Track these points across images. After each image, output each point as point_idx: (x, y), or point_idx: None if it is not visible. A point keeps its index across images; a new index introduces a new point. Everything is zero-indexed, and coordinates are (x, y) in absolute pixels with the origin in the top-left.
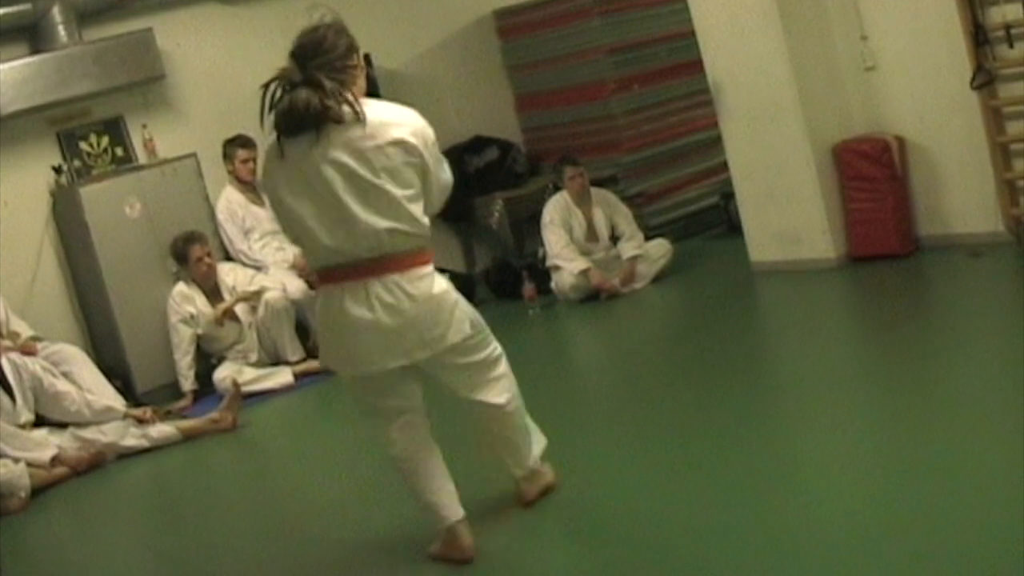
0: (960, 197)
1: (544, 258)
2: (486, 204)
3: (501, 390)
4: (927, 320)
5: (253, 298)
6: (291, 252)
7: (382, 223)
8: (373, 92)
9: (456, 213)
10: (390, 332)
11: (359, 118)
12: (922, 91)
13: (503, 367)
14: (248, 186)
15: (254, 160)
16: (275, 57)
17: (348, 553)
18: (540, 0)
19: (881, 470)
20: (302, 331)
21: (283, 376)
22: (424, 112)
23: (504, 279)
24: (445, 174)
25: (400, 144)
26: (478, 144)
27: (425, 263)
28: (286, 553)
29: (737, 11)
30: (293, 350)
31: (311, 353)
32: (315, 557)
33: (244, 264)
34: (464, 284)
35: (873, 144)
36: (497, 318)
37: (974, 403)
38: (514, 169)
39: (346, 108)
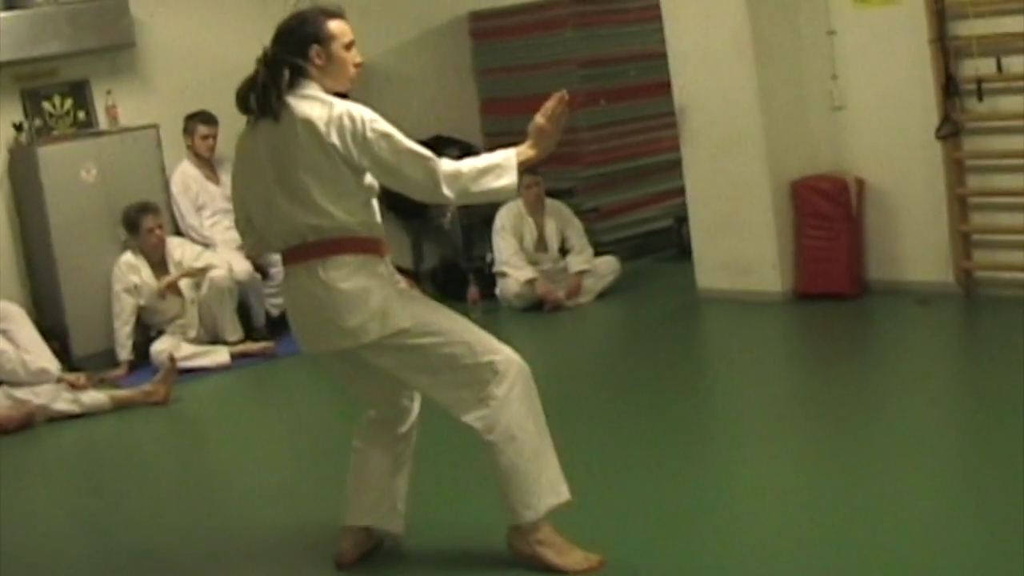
0: (914, 244)
1: (492, 263)
2: (440, 204)
3: (476, 414)
4: (868, 361)
5: (198, 274)
6: None
7: (300, 217)
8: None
9: (409, 210)
10: (310, 316)
11: (272, 115)
12: (887, 135)
13: (486, 388)
14: (205, 162)
15: (214, 137)
16: (247, 37)
17: (268, 536)
18: (517, 6)
19: (811, 502)
20: (244, 312)
21: (220, 355)
22: (388, 107)
23: (450, 280)
24: (404, 165)
25: (324, 144)
26: (438, 144)
27: (346, 252)
28: (208, 530)
29: (711, 37)
30: (233, 330)
31: (250, 334)
32: (236, 536)
33: (193, 240)
34: (409, 281)
35: (832, 183)
36: None
37: (907, 445)
38: None
39: (265, 102)
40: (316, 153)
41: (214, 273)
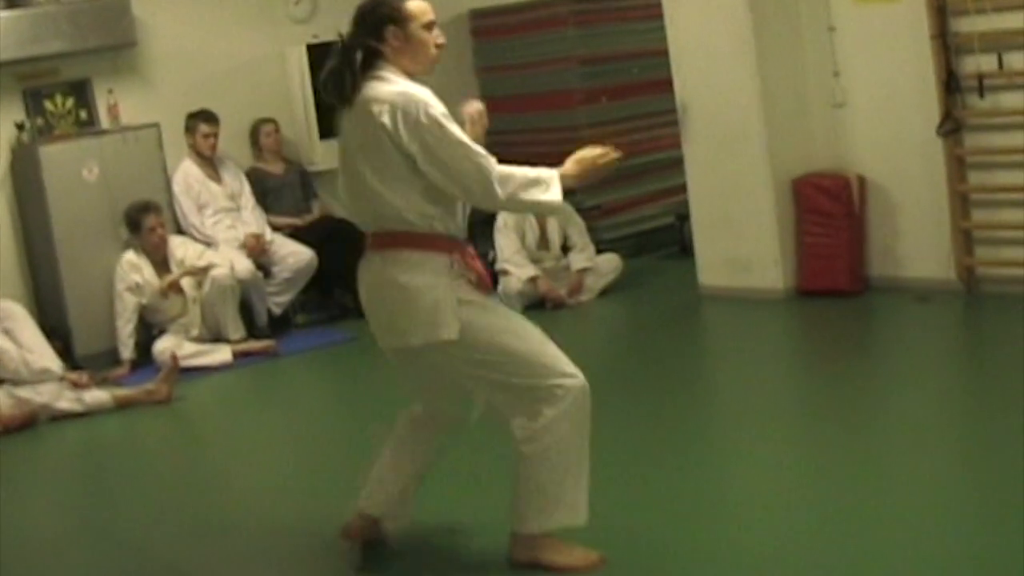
0: (915, 241)
1: (494, 261)
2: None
3: (520, 422)
4: (869, 358)
5: (200, 273)
6: (242, 231)
7: (362, 203)
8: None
9: None
10: (369, 306)
11: (346, 102)
12: (888, 132)
13: (537, 406)
14: (207, 161)
15: (215, 136)
16: (248, 37)
17: (270, 535)
18: (517, 4)
19: (813, 499)
20: (246, 310)
21: (222, 354)
22: None
23: None
24: (454, 158)
25: (376, 125)
26: None
27: (404, 246)
28: (210, 529)
29: (712, 35)
30: (235, 329)
31: (252, 333)
32: (238, 534)
33: (195, 239)
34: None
35: (834, 180)
36: None
37: (909, 442)
38: None
39: (339, 88)
40: (368, 134)
41: (216, 272)
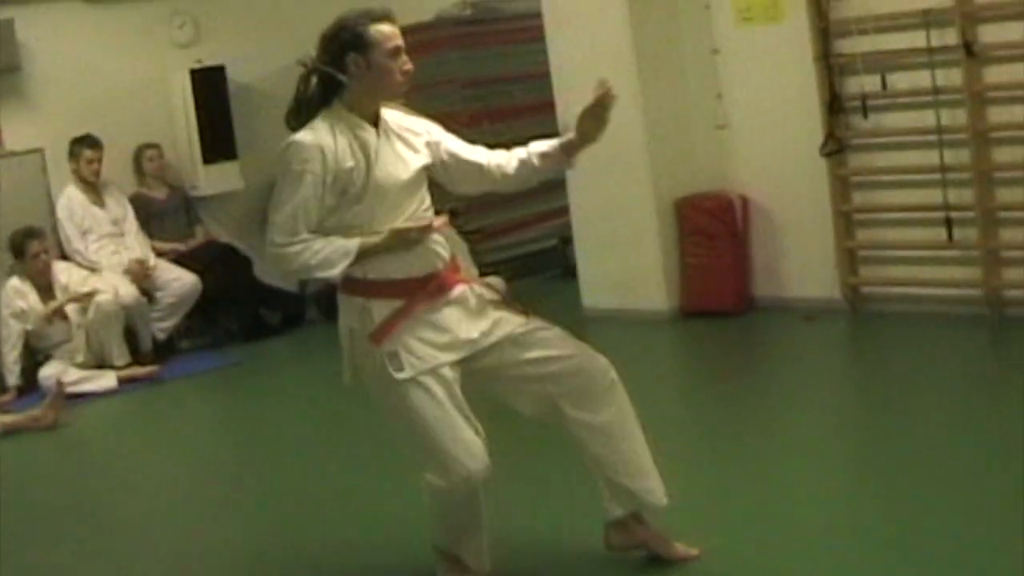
0: (799, 261)
1: None
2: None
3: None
4: (755, 377)
5: (84, 299)
6: (126, 256)
7: None
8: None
9: None
10: None
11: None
12: (772, 153)
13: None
14: (90, 187)
15: (99, 161)
16: (132, 62)
17: (156, 560)
18: (400, 27)
19: (698, 518)
20: (130, 336)
21: (107, 379)
22: (270, 129)
23: (335, 302)
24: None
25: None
26: None
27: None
28: (96, 554)
29: (595, 57)
30: (120, 354)
31: (136, 359)
32: (125, 560)
33: (79, 264)
34: (294, 304)
35: (717, 201)
36: (324, 341)
37: (794, 460)
38: None
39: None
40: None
41: (100, 297)
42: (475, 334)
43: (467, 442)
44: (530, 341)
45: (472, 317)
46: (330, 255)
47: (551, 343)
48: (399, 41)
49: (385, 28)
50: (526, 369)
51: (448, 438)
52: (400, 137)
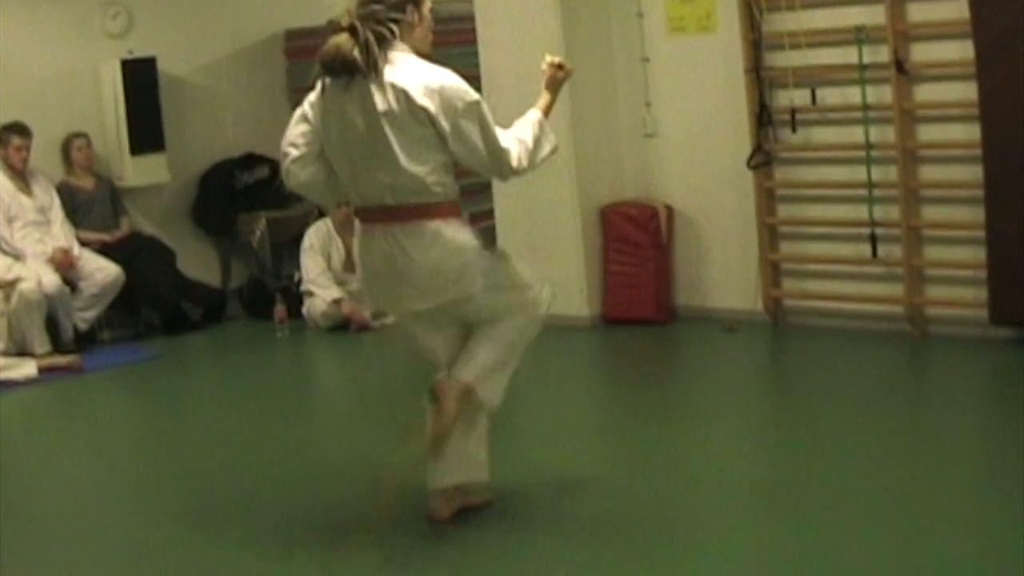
0: (723, 272)
1: (299, 282)
2: (249, 221)
3: (477, 373)
4: (675, 387)
5: (7, 287)
6: (51, 245)
7: (384, 178)
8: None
9: (218, 227)
10: (384, 278)
11: (376, 74)
12: (699, 163)
13: (503, 362)
14: (18, 174)
15: (27, 149)
16: (63, 50)
17: (70, 554)
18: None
19: (612, 526)
20: (52, 325)
21: (27, 368)
22: (200, 122)
23: (257, 298)
24: (482, 141)
25: (410, 104)
26: (250, 161)
27: (424, 218)
28: (11, 547)
29: (524, 61)
30: (41, 343)
31: (58, 348)
32: (42, 553)
33: (3, 252)
34: (215, 299)
35: (641, 209)
36: (245, 337)
37: (712, 470)
38: (282, 190)
39: (372, 62)
40: (406, 116)
41: (23, 285)
42: None
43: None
44: None
45: None
46: (537, 133)
47: None
48: None
49: None
50: None
51: (537, 287)
52: None
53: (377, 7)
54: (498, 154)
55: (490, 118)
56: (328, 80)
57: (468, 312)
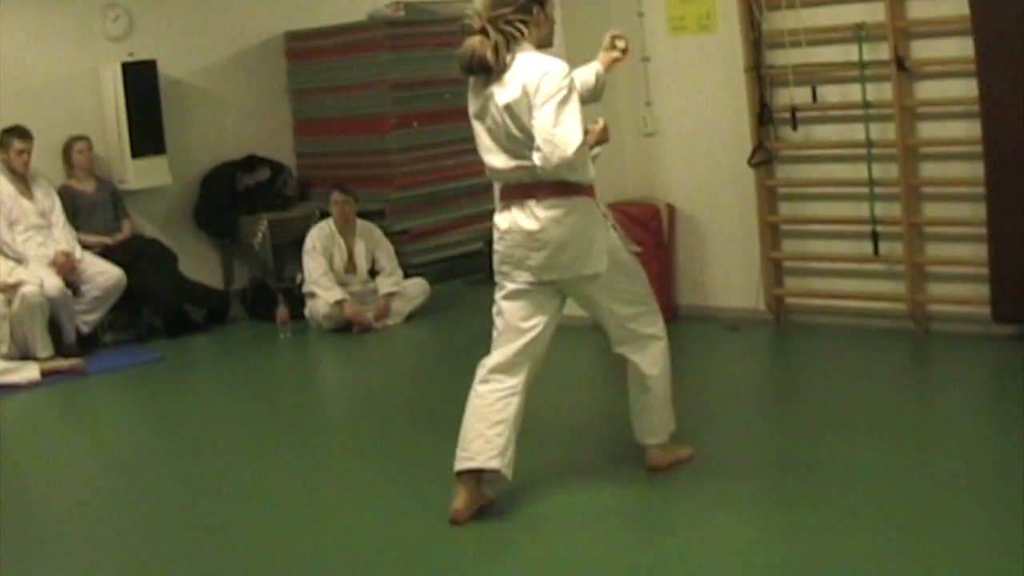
0: (724, 271)
1: (301, 284)
2: (251, 223)
3: (653, 359)
4: (678, 386)
5: (9, 290)
6: (52, 248)
7: (512, 162)
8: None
9: (220, 229)
10: (518, 249)
11: (503, 70)
12: (700, 162)
13: (658, 341)
14: (19, 177)
15: (28, 152)
16: (64, 54)
17: (76, 559)
18: (333, 27)
19: (609, 527)
20: (54, 328)
21: (30, 371)
22: (202, 124)
23: (259, 300)
24: (551, 122)
25: (523, 92)
26: (251, 163)
27: (561, 195)
28: (16, 549)
29: None
30: (43, 346)
31: (60, 351)
32: (46, 557)
33: (5, 255)
34: (218, 301)
35: (643, 209)
36: (247, 339)
37: (715, 470)
38: (283, 192)
39: (501, 61)
40: (522, 104)
41: (26, 289)
42: None
43: None
44: None
45: None
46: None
47: None
48: None
49: None
50: None
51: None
52: None
53: (505, 10)
54: (555, 136)
55: (577, 108)
56: (471, 79)
57: (597, 296)
